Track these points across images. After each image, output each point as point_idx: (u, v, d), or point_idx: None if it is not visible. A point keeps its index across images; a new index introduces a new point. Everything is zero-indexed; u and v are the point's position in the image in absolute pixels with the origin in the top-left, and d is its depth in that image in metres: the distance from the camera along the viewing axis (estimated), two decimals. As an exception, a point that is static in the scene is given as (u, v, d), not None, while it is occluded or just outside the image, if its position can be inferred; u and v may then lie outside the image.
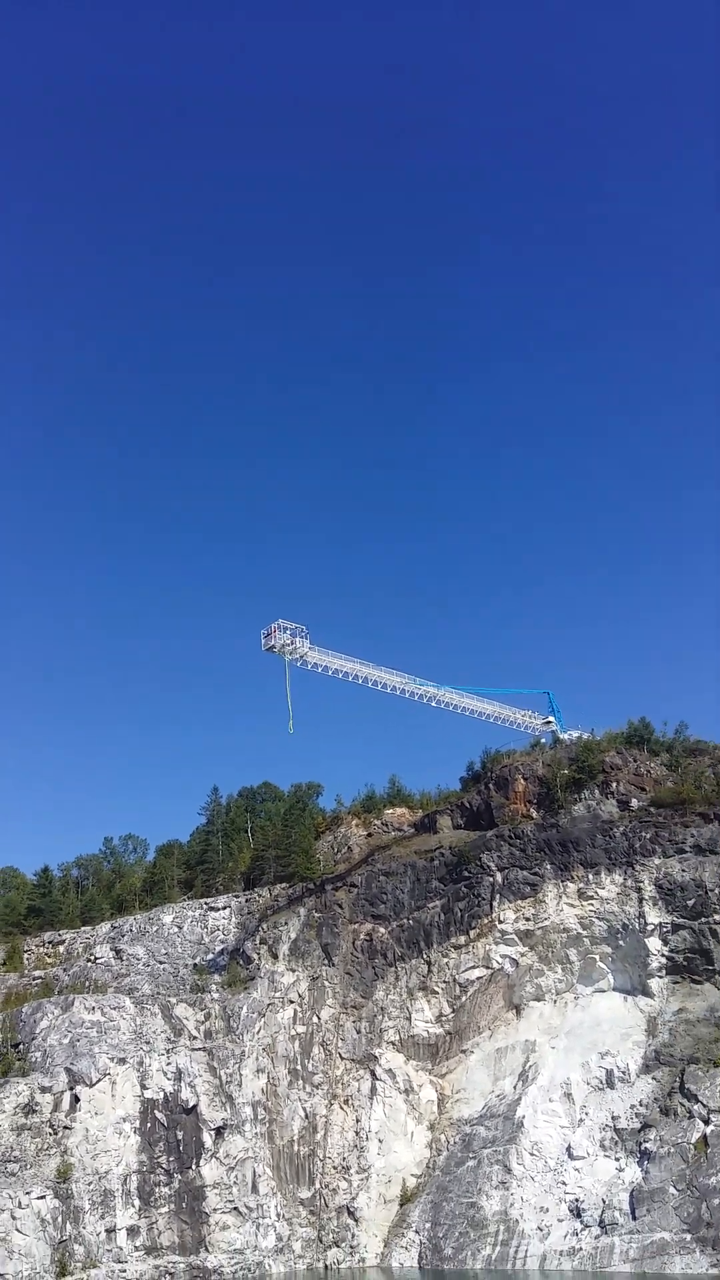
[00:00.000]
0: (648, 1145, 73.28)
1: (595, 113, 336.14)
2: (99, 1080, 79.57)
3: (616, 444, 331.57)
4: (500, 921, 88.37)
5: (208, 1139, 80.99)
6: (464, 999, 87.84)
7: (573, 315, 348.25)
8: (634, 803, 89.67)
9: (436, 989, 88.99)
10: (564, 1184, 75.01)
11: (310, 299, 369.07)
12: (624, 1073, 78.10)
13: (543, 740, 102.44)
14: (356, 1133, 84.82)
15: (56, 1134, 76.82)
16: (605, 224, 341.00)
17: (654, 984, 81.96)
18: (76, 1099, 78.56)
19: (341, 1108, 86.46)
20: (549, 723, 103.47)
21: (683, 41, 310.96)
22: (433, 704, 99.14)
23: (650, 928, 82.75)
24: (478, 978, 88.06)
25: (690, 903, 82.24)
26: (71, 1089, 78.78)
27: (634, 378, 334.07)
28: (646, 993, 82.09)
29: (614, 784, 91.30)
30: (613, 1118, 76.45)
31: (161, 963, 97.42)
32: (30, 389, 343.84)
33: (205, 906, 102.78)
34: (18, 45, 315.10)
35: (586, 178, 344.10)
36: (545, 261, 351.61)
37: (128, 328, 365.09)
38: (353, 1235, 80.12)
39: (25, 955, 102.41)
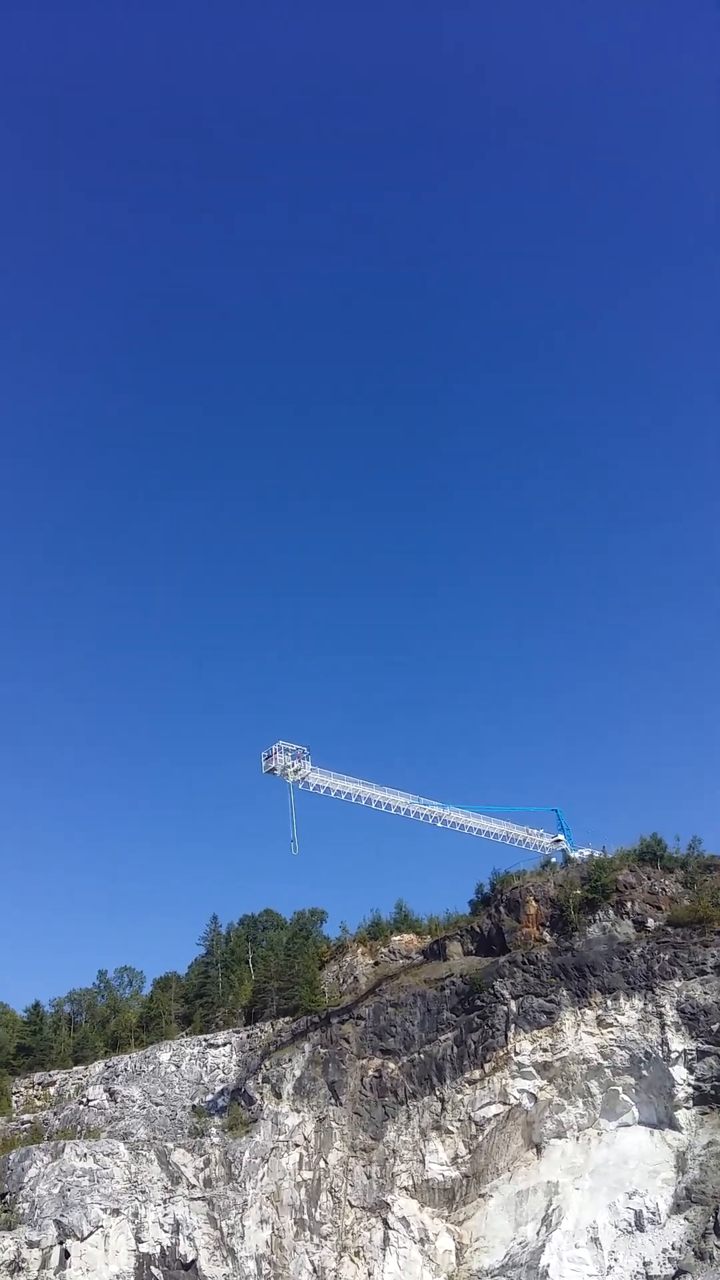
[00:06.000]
0: (684, 1294, 67.79)
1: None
2: (91, 1233, 74.19)
3: (629, 555, 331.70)
4: (516, 1053, 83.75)
5: (208, 1297, 75.17)
6: (481, 1138, 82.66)
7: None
8: (650, 922, 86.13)
9: (451, 1128, 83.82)
10: (595, 1341, 69.23)
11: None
12: (654, 1213, 72.82)
13: (553, 860, 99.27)
14: (368, 1288, 78.83)
15: (45, 1293, 71.19)
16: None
17: (681, 1116, 77.16)
18: (66, 1254, 73.06)
19: (352, 1260, 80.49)
20: (559, 841, 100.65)
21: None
22: (438, 824, 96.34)
23: (674, 1055, 78.39)
24: (495, 1115, 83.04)
25: (715, 1027, 78.04)
26: (61, 1243, 73.39)
27: (634, 499, 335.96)
28: (674, 1125, 77.23)
29: (629, 903, 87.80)
30: (644, 1263, 70.94)
31: (158, 1104, 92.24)
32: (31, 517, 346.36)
33: (204, 1043, 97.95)
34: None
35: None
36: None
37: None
38: None
39: (14, 1097, 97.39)
